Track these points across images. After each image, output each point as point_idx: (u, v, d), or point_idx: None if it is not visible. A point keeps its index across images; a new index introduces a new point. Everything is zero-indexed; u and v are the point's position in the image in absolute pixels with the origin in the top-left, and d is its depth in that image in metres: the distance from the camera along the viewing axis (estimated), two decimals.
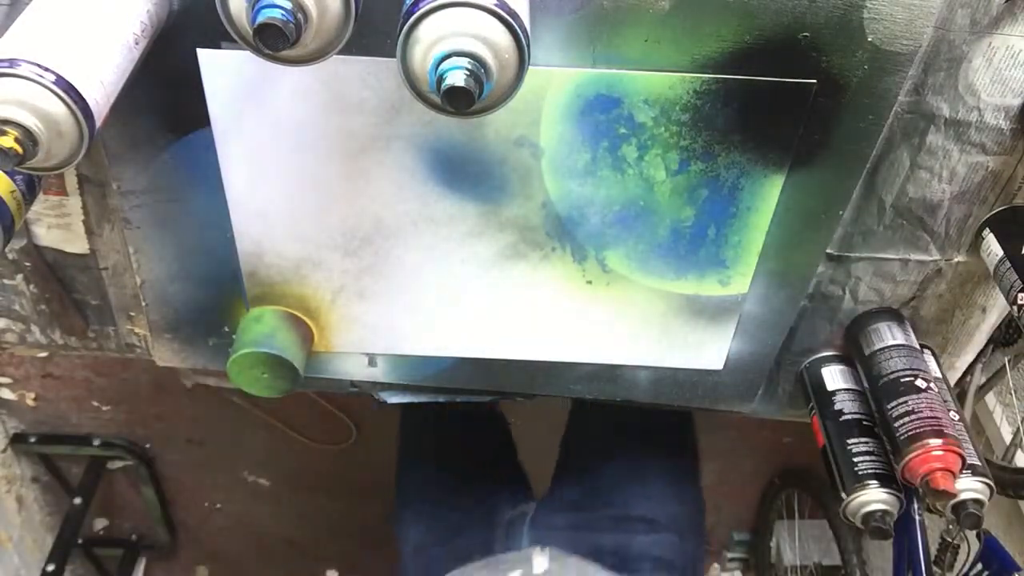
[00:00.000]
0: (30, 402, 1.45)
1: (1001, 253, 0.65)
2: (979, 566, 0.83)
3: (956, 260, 0.71)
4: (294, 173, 0.63)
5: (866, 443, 0.70)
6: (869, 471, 0.69)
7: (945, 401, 0.69)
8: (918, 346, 0.72)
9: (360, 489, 1.57)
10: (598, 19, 0.55)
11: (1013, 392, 0.90)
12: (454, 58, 0.43)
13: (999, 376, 0.84)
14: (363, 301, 0.70)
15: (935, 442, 0.64)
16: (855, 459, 0.70)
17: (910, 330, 0.73)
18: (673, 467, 0.96)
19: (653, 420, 0.94)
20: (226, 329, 0.73)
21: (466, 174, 0.63)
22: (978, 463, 0.68)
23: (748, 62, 0.56)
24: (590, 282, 0.67)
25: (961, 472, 0.65)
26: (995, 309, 0.75)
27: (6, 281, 0.73)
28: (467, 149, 0.62)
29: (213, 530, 1.78)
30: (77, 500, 1.44)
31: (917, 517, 0.77)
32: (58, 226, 0.69)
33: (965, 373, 0.82)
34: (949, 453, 0.63)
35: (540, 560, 0.77)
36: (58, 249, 0.70)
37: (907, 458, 0.64)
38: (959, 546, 0.81)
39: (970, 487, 0.67)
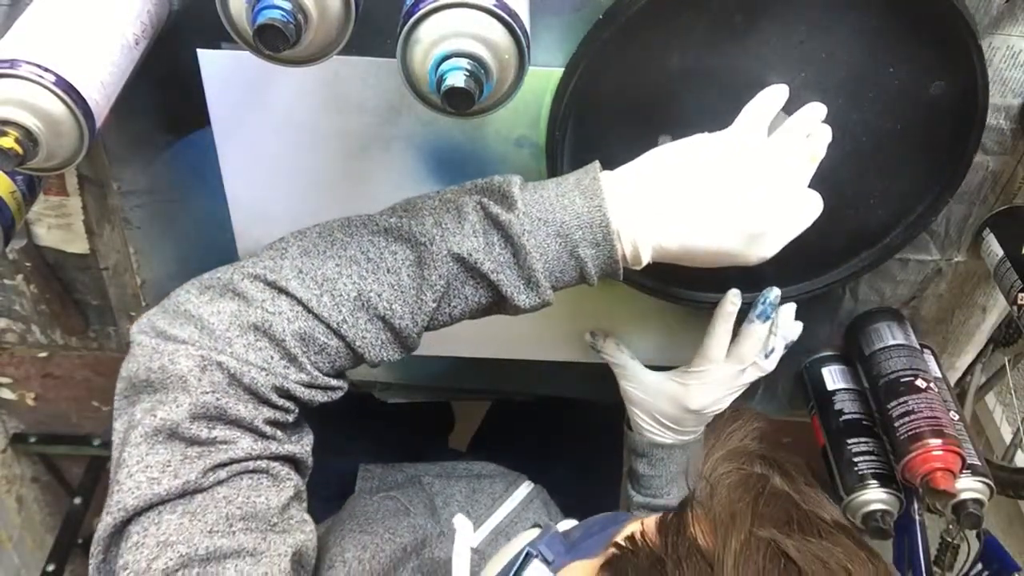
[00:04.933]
0: (30, 402, 1.45)
1: (1001, 253, 0.65)
2: (979, 566, 0.83)
3: (956, 260, 0.71)
4: (294, 173, 0.63)
5: (866, 443, 0.70)
6: (869, 471, 0.69)
7: (945, 401, 0.69)
8: (918, 346, 0.72)
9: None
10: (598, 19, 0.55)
11: (1013, 392, 0.90)
12: (454, 59, 0.43)
13: (999, 376, 0.84)
14: None
15: (935, 442, 0.64)
16: (855, 459, 0.70)
17: (910, 330, 0.73)
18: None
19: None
20: None
21: (466, 174, 0.63)
22: (978, 463, 0.68)
23: None
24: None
25: (961, 472, 0.65)
26: (995, 309, 0.75)
27: (6, 281, 0.73)
28: (467, 149, 0.62)
29: None
30: (77, 500, 1.43)
31: (917, 517, 0.76)
32: (58, 226, 0.69)
33: (965, 373, 0.82)
34: (949, 453, 0.63)
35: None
36: (58, 249, 0.70)
37: (907, 458, 0.64)
38: (959, 546, 0.81)
39: (970, 487, 0.67)
